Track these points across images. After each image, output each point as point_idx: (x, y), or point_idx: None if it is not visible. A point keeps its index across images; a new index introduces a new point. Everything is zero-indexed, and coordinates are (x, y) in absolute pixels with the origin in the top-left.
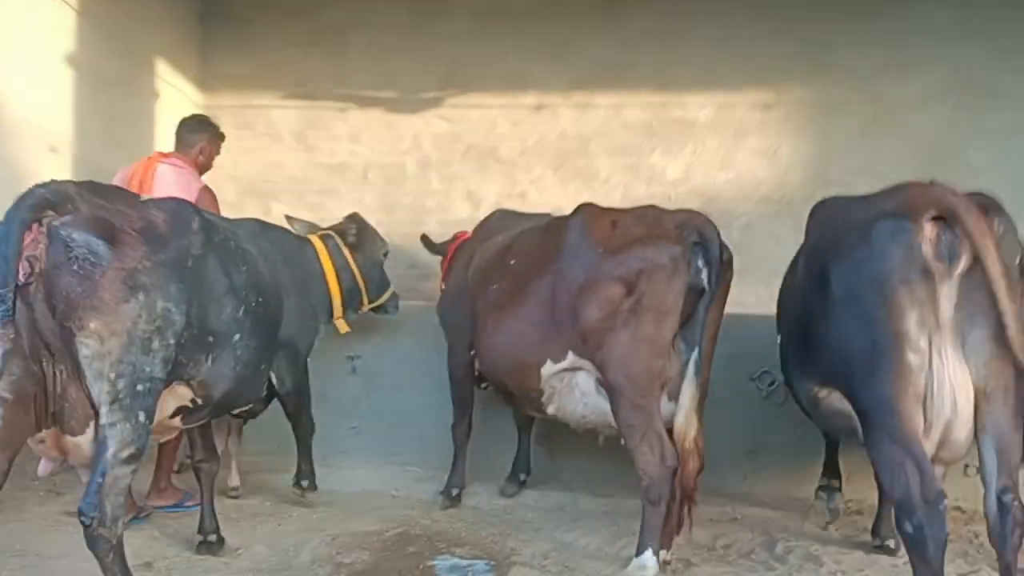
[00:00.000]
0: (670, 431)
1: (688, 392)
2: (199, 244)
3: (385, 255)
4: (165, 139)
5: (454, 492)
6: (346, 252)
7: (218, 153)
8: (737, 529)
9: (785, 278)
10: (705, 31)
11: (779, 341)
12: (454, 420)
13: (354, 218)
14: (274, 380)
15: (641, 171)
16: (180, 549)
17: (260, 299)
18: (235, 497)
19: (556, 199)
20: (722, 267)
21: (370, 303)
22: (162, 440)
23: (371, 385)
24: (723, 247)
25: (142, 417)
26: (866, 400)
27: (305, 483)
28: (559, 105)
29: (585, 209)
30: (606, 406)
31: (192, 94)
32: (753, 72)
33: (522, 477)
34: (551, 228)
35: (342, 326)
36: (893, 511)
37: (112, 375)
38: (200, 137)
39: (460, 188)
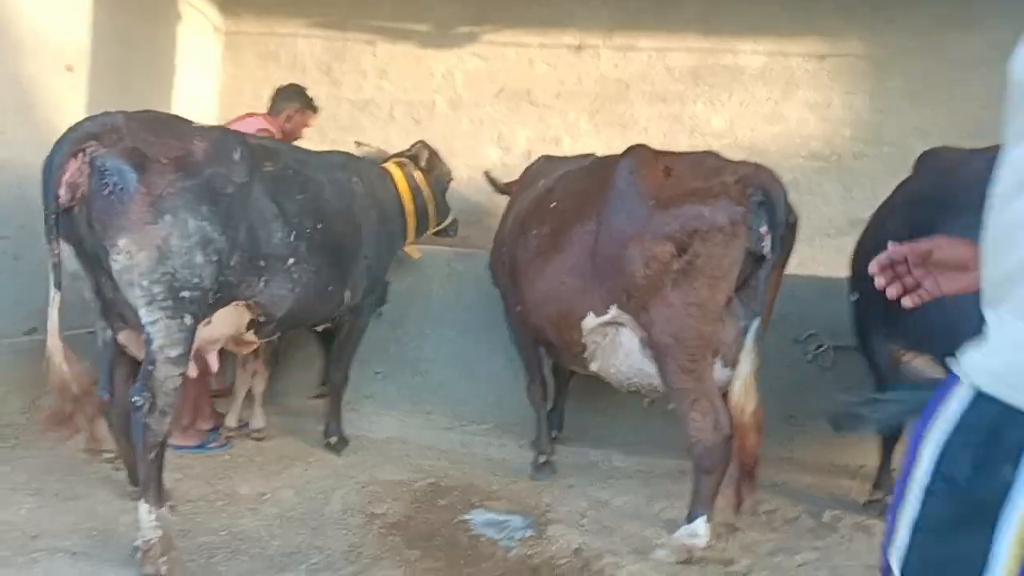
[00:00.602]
0: (725, 398)
1: (747, 361)
2: (243, 172)
3: (450, 181)
4: (185, 63)
5: (541, 460)
6: (419, 177)
7: (307, 125)
8: (779, 495)
9: (867, 231)
10: None
11: (853, 299)
12: (526, 381)
13: (424, 144)
14: (346, 300)
15: (683, 121)
16: (205, 492)
17: (320, 225)
18: (259, 439)
19: (590, 147)
20: (787, 232)
21: (435, 226)
22: (245, 352)
23: (397, 331)
24: (789, 209)
25: (188, 320)
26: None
27: (334, 439)
28: (599, 47)
29: (636, 151)
30: (651, 369)
31: (214, 18)
32: (808, 20)
33: (554, 433)
34: (597, 169)
35: (413, 251)
36: None
37: (145, 283)
38: (290, 105)
39: (490, 131)
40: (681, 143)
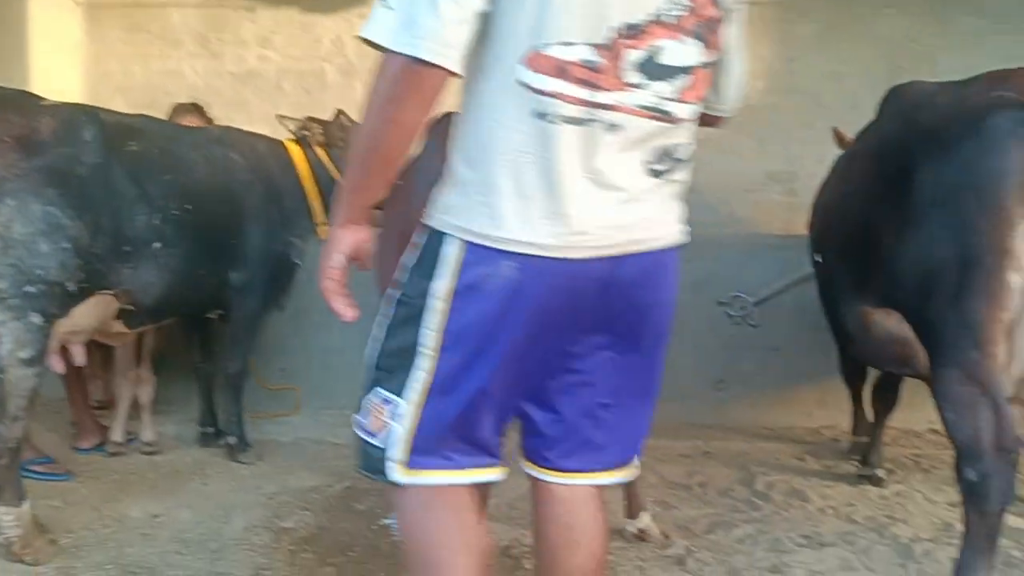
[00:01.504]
0: None
1: None
2: (97, 152)
3: None
4: (39, 39)
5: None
6: (320, 153)
7: None
8: (712, 464)
9: (826, 185)
10: None
11: (816, 259)
12: None
13: (340, 113)
14: (233, 281)
15: None
16: (89, 519)
17: (190, 205)
18: (151, 453)
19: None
20: None
21: None
22: (118, 344)
23: (301, 321)
24: None
25: (37, 319)
26: (944, 326)
27: (232, 440)
28: None
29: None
30: None
31: None
32: None
33: None
34: None
35: (324, 232)
36: (955, 456)
37: None
38: (188, 120)
39: None
40: None
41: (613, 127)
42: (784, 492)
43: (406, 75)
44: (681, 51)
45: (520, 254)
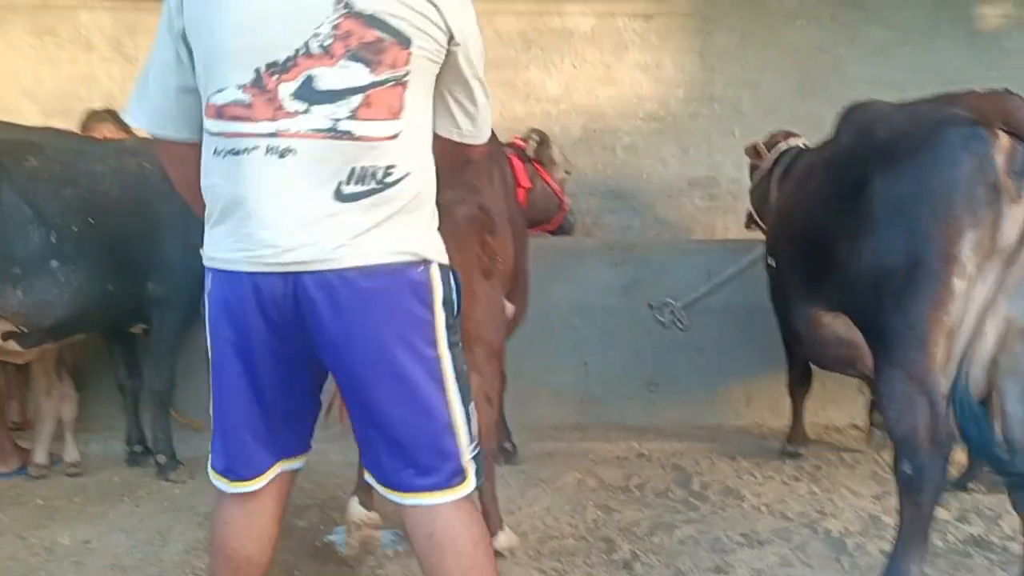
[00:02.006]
0: None
1: None
2: None
3: None
4: None
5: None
6: None
7: None
8: (648, 466)
9: (786, 194)
10: None
11: (768, 263)
12: None
13: None
14: (150, 293)
15: (517, 87)
16: (16, 548)
17: (93, 219)
18: (76, 474)
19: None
20: None
21: None
22: (18, 362)
23: None
24: None
25: None
26: (889, 328)
27: (162, 459)
28: None
29: None
30: None
31: None
32: None
33: None
34: None
35: None
36: (893, 450)
37: None
38: (104, 126)
39: None
40: (518, 111)
41: (287, 151)
42: (720, 491)
43: (157, 144)
44: (338, 75)
45: (217, 269)
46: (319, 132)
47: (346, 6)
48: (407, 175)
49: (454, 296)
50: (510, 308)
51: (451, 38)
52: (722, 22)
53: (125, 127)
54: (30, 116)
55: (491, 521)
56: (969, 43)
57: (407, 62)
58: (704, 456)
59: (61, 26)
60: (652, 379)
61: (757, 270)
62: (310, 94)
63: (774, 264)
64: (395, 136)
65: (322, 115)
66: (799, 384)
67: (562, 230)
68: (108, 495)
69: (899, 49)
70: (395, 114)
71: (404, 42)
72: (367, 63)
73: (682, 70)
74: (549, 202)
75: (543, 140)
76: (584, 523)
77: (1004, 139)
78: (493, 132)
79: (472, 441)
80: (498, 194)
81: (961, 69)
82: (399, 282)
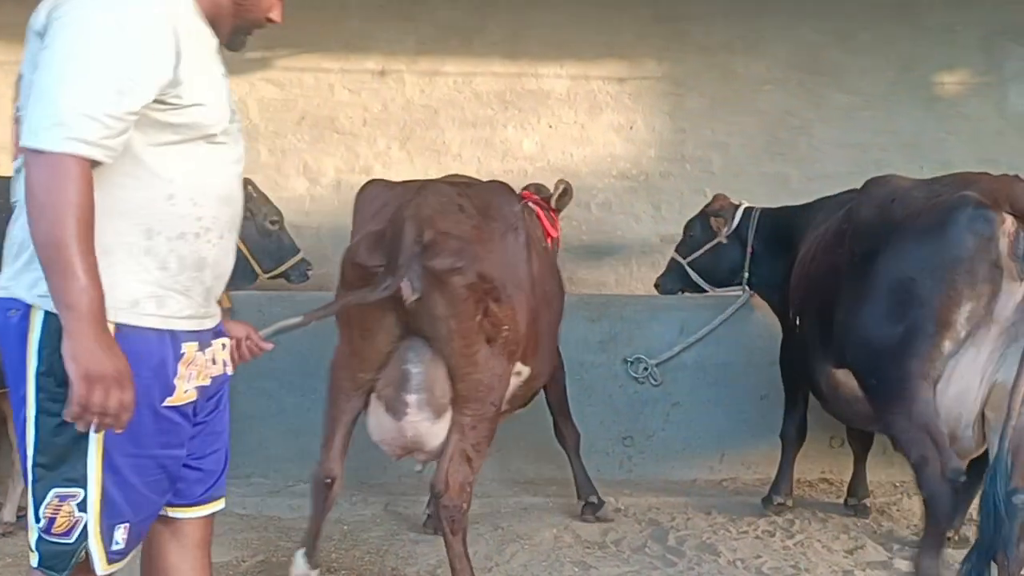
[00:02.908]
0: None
1: None
2: None
3: (274, 223)
4: None
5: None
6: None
7: None
8: (624, 521)
9: (807, 255)
10: None
11: (795, 323)
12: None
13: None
14: None
15: (495, 145)
16: None
17: None
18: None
19: (404, 174)
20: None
21: (265, 272)
22: None
23: None
24: (429, 251)
25: None
26: (887, 379)
27: None
28: (404, 71)
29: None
30: None
31: None
32: (607, 44)
33: None
34: None
35: (224, 300)
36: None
37: None
38: None
39: (294, 161)
40: (495, 168)
41: None
42: (695, 547)
43: None
44: None
45: None
46: None
47: None
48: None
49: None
50: (525, 370)
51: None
52: (693, 86)
53: None
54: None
55: None
56: (928, 108)
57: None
58: (680, 511)
59: None
60: (627, 433)
61: (728, 327)
62: None
63: (797, 323)
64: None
65: None
66: (796, 436)
67: None
68: None
69: (862, 113)
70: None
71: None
72: None
73: (654, 131)
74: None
75: (567, 191)
76: None
77: (1009, 222)
78: (512, 191)
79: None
80: (513, 258)
81: (920, 132)
82: None
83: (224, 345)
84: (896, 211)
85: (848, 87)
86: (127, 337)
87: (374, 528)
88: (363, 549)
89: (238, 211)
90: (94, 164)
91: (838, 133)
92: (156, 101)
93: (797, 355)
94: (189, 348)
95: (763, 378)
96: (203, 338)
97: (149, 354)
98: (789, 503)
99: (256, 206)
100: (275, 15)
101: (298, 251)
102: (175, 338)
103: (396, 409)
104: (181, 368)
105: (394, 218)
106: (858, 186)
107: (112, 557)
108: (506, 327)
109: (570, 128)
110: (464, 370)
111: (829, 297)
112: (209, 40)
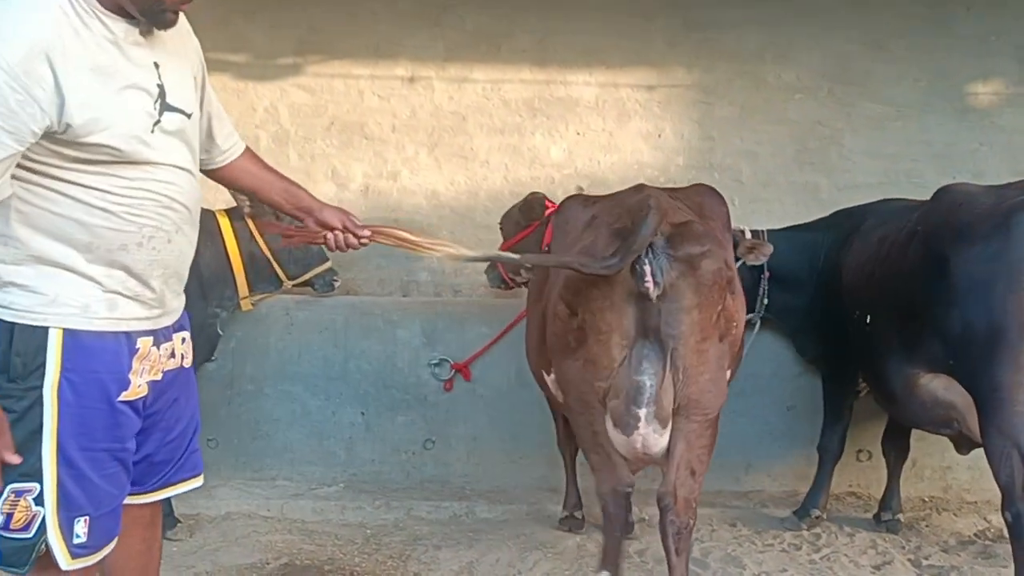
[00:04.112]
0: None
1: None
2: None
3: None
4: None
5: (568, 513)
6: (250, 226)
7: None
8: (649, 531)
9: (871, 255)
10: (586, 2)
11: (865, 324)
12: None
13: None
14: None
15: (523, 152)
16: None
17: None
18: None
19: (433, 181)
20: (684, 268)
21: (291, 279)
22: None
23: (229, 391)
24: (683, 240)
25: None
26: (978, 388)
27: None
28: (432, 78)
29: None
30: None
31: None
32: (636, 51)
33: None
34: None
35: (246, 305)
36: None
37: None
38: None
39: (323, 166)
40: (522, 175)
41: None
42: (721, 559)
43: None
44: None
45: None
46: None
47: None
48: None
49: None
50: (728, 375)
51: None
52: (722, 94)
53: None
54: None
55: None
56: (960, 118)
57: None
58: (704, 522)
59: None
60: None
61: (755, 338)
62: None
63: (868, 326)
64: None
65: None
66: (838, 449)
67: None
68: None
69: (893, 123)
70: None
71: None
72: None
73: (683, 139)
74: None
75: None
76: None
77: None
78: (718, 193)
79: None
80: (731, 255)
81: (953, 143)
82: None
83: (184, 339)
84: (963, 217)
85: (879, 97)
86: (78, 338)
87: (396, 533)
88: (385, 554)
89: (186, 211)
90: None
91: (869, 143)
92: (48, 138)
93: (861, 358)
94: (144, 343)
95: (790, 389)
96: (160, 334)
97: (103, 350)
98: (824, 516)
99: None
100: None
101: (326, 259)
102: (129, 336)
103: (626, 424)
104: (135, 363)
105: (633, 215)
106: (890, 196)
107: (76, 552)
108: (735, 323)
109: (598, 136)
110: (697, 370)
111: (901, 301)
112: (104, 42)
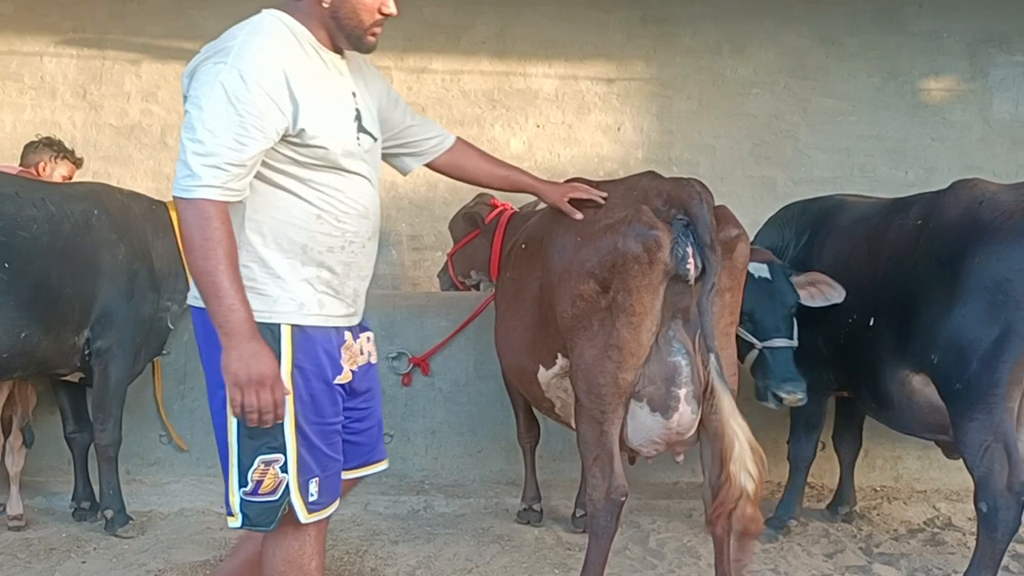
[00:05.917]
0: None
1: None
2: None
3: None
4: None
5: (526, 506)
6: None
7: (67, 176)
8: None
9: (863, 257)
10: None
11: (851, 325)
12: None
13: None
14: (81, 344)
15: (483, 143)
16: None
17: (8, 264)
18: (19, 528)
19: (389, 172)
20: (721, 250)
21: None
22: None
23: (182, 387)
24: (725, 225)
25: None
26: (974, 385)
27: (110, 513)
28: (391, 68)
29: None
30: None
31: None
32: (595, 44)
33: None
34: (547, 211)
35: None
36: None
37: None
38: (40, 156)
39: None
40: None
41: None
42: (676, 549)
43: None
44: None
45: None
46: None
47: None
48: None
49: None
50: None
51: None
52: (680, 88)
53: (61, 155)
54: None
55: None
56: (913, 114)
57: None
58: (660, 513)
59: (24, 72)
60: None
61: None
62: None
63: (855, 327)
64: None
65: None
66: (812, 456)
67: None
68: (54, 551)
69: (848, 118)
70: None
71: None
72: None
73: (642, 132)
74: None
75: None
76: None
77: None
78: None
79: (242, 485)
80: None
81: (905, 139)
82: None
83: (369, 338)
84: (984, 215)
85: (834, 92)
86: (304, 331)
87: (353, 528)
88: (342, 549)
89: (375, 222)
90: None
91: (824, 138)
92: (283, 142)
93: (852, 362)
94: (348, 336)
95: (745, 381)
96: (355, 331)
97: (326, 340)
98: (855, 509)
99: None
100: (387, 8)
101: None
102: (338, 330)
103: (667, 407)
104: (344, 353)
105: (678, 199)
106: (844, 190)
107: (311, 507)
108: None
109: (558, 128)
110: (725, 351)
111: (905, 299)
112: (321, 68)
